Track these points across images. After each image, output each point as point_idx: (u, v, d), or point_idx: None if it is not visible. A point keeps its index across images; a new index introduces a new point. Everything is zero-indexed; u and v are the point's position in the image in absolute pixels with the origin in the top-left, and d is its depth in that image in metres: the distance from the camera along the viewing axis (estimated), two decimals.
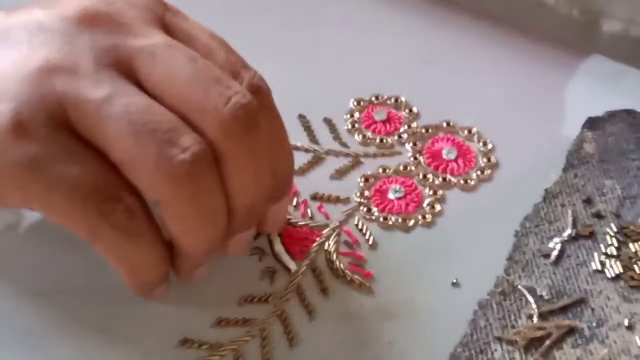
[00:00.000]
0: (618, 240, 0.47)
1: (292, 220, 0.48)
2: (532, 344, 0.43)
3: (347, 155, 0.52)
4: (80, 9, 0.38)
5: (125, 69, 0.38)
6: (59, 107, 0.37)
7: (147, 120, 0.36)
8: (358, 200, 0.49)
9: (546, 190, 0.50)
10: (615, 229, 0.48)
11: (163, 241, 0.41)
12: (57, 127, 0.37)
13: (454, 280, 0.46)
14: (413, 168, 0.51)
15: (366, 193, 0.50)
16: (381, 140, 0.52)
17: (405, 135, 0.53)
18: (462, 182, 0.51)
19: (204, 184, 0.38)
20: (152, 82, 0.38)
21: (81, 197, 0.37)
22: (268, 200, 0.43)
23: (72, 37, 0.38)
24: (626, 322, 0.44)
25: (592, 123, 0.53)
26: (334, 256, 0.47)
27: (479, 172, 0.51)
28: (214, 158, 0.38)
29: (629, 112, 0.53)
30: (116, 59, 0.38)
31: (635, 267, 0.46)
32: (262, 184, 0.41)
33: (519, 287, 0.45)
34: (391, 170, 0.51)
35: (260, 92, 0.41)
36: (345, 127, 0.53)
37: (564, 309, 0.45)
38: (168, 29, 0.40)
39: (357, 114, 0.54)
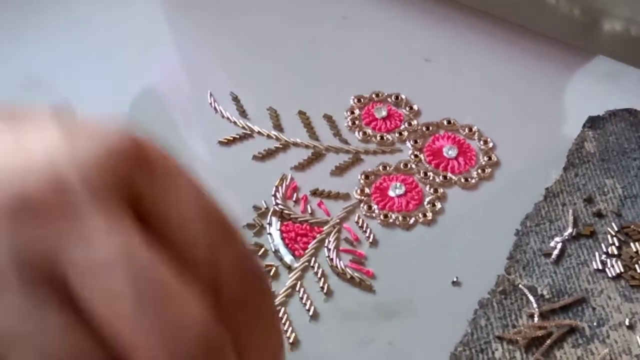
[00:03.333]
0: (619, 240, 0.47)
1: (292, 216, 0.48)
2: (532, 343, 0.43)
3: (347, 152, 0.51)
4: (16, 196, 0.29)
5: (54, 280, 0.28)
6: None
7: None
8: (358, 197, 0.49)
9: (547, 189, 0.49)
10: (616, 228, 0.48)
11: None
12: None
13: (455, 279, 0.46)
14: (414, 166, 0.51)
15: (367, 190, 0.49)
16: (382, 138, 0.52)
17: (405, 133, 0.52)
18: (462, 180, 0.50)
19: None
20: (85, 300, 0.28)
21: None
22: None
23: None
24: (627, 322, 0.44)
25: (592, 122, 0.52)
26: (334, 253, 0.46)
27: (479, 171, 0.51)
28: None
29: (630, 111, 0.53)
30: (43, 268, 0.28)
31: (637, 266, 0.46)
32: None
33: (520, 286, 0.45)
34: (392, 168, 0.51)
35: (246, 276, 0.31)
36: (346, 124, 0.53)
37: (564, 308, 0.45)
38: (136, 200, 0.30)
39: (357, 111, 0.53)
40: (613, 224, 0.48)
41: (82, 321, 0.28)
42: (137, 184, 0.29)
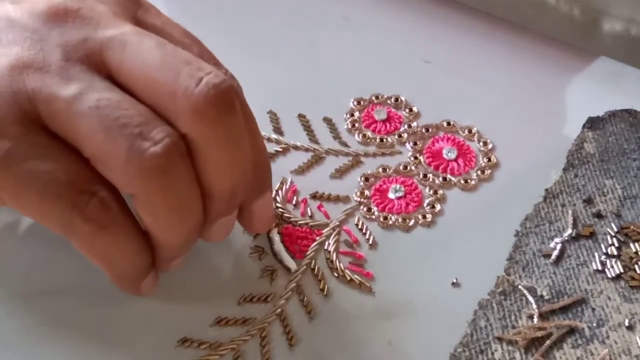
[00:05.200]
0: (619, 240, 0.47)
1: (292, 219, 0.48)
2: (532, 344, 0.43)
3: (347, 154, 0.52)
4: (49, 4, 0.39)
5: (96, 62, 0.38)
6: (30, 105, 0.37)
7: (118, 115, 0.36)
8: (358, 199, 0.49)
9: (546, 190, 0.50)
10: (615, 229, 0.48)
11: (141, 232, 0.40)
12: (29, 124, 0.37)
13: (454, 280, 0.46)
14: (413, 168, 0.51)
15: (366, 192, 0.50)
16: (381, 140, 0.52)
17: (405, 135, 0.53)
18: (462, 181, 0.50)
19: (176, 177, 0.37)
20: (123, 72, 0.38)
21: (55, 192, 0.37)
22: (250, 189, 0.42)
23: (42, 33, 0.38)
24: (627, 322, 0.44)
25: (592, 123, 0.52)
26: (334, 256, 0.46)
27: (479, 172, 0.51)
28: (188, 146, 0.38)
29: (630, 112, 0.53)
30: (86, 53, 0.38)
31: (636, 267, 0.46)
32: (240, 166, 0.40)
33: (520, 287, 0.45)
34: (391, 170, 0.51)
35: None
36: (345, 127, 0.53)
37: (564, 309, 0.45)
38: (140, 25, 0.40)
39: (357, 114, 0.54)
40: (613, 225, 0.48)
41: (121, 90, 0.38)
42: (139, 15, 0.41)
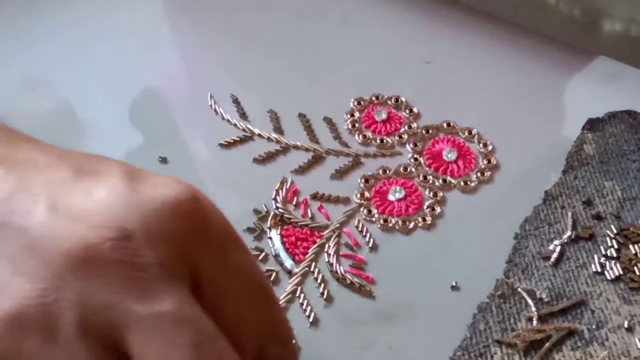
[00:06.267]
0: (618, 242, 0.47)
1: (292, 220, 0.48)
2: (531, 346, 0.43)
3: (347, 155, 0.52)
4: (83, 246, 0.29)
5: (114, 339, 0.29)
6: None
7: None
8: (358, 201, 0.49)
9: (546, 192, 0.50)
10: (615, 231, 0.48)
11: None
12: None
13: (454, 284, 0.46)
14: (413, 169, 0.51)
15: (366, 194, 0.50)
16: (382, 141, 0.52)
17: (405, 136, 0.53)
18: (462, 184, 0.50)
19: None
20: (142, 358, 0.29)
21: None
22: None
23: (62, 280, 0.28)
24: (626, 324, 0.44)
25: (592, 124, 0.52)
26: (334, 259, 0.46)
27: (479, 174, 0.51)
28: None
29: (629, 113, 0.53)
30: (106, 324, 0.28)
31: (636, 268, 0.46)
32: None
33: (519, 289, 0.45)
34: (391, 172, 0.51)
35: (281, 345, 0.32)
36: (346, 127, 0.53)
37: (563, 312, 0.45)
38: (197, 276, 0.30)
39: (357, 114, 0.54)
40: (612, 227, 0.48)
41: None
42: (196, 248, 0.30)
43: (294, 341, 0.33)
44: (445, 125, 0.53)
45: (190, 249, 0.30)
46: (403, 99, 0.54)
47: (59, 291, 0.28)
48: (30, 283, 0.28)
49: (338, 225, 0.48)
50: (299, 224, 0.48)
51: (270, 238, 0.47)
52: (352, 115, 0.53)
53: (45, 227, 0.29)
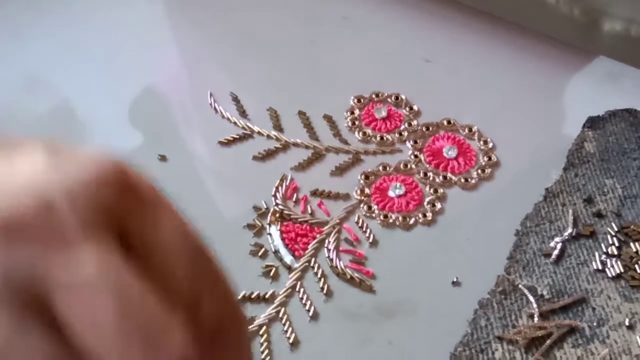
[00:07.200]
0: (619, 240, 0.47)
1: (292, 216, 0.48)
2: (532, 343, 0.43)
3: (347, 152, 0.51)
4: (4, 216, 0.29)
5: (41, 305, 0.29)
6: None
7: None
8: (358, 197, 0.49)
9: (547, 189, 0.49)
10: (616, 229, 0.48)
11: None
12: None
13: (455, 279, 0.46)
14: (414, 166, 0.51)
15: (366, 190, 0.50)
16: (382, 138, 0.52)
17: (405, 133, 0.52)
18: (462, 180, 0.50)
19: None
20: (69, 324, 0.29)
21: None
22: None
23: None
24: (627, 322, 0.44)
25: (592, 122, 0.52)
26: (334, 254, 0.46)
27: (479, 171, 0.51)
28: None
29: (630, 111, 0.53)
30: (30, 290, 0.28)
31: (636, 266, 0.46)
32: None
33: (520, 286, 0.45)
34: (392, 168, 0.51)
35: (224, 306, 0.32)
36: (346, 124, 0.53)
37: (564, 309, 0.45)
38: (124, 232, 0.31)
39: (357, 112, 0.53)
40: (613, 224, 0.48)
41: (65, 343, 0.28)
42: (123, 212, 0.30)
43: (238, 303, 0.31)
44: (445, 122, 0.53)
45: (116, 214, 0.30)
46: (403, 97, 0.54)
47: None
48: None
49: (338, 221, 0.48)
50: (299, 220, 0.48)
51: (270, 234, 0.47)
52: (352, 113, 0.53)
53: None
